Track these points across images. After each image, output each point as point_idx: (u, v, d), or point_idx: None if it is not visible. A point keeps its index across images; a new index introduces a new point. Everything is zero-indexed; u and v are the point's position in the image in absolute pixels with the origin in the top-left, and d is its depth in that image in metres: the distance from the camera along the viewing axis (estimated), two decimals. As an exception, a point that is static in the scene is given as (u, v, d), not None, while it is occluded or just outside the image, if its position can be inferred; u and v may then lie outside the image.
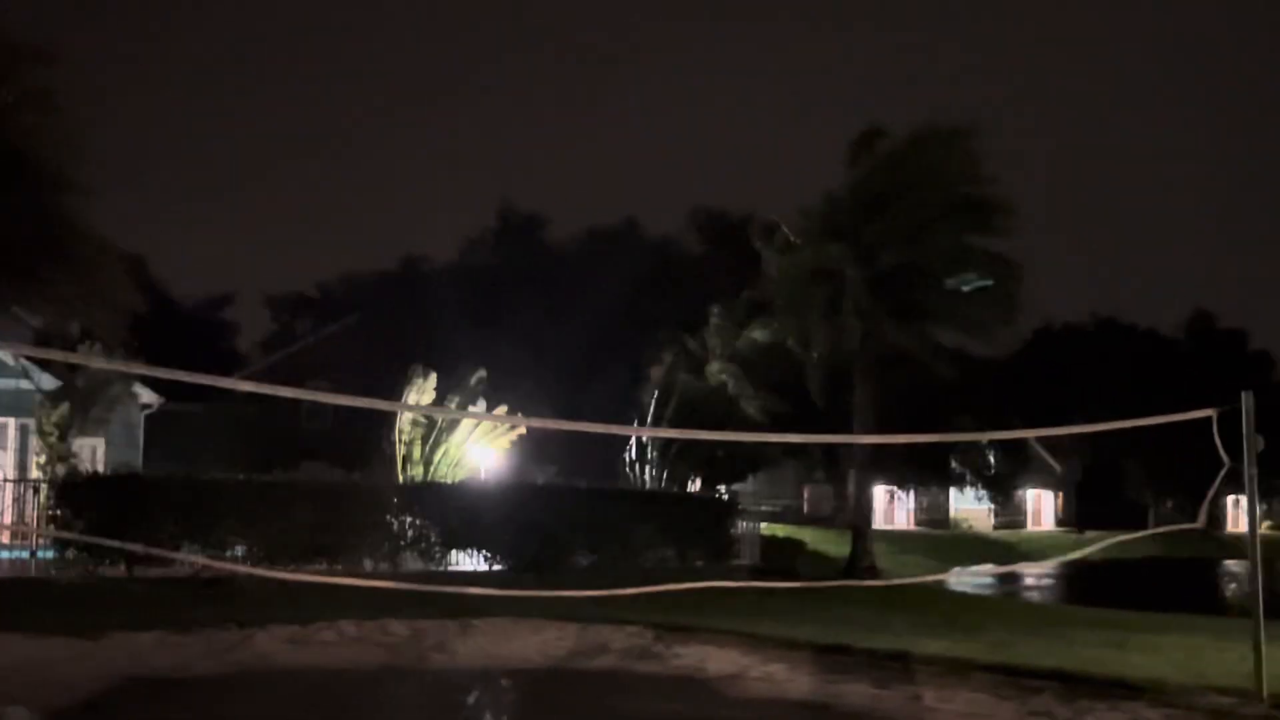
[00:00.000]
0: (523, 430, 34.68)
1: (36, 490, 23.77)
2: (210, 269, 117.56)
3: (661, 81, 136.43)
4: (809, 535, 43.17)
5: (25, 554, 23.20)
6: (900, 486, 66.17)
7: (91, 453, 33.39)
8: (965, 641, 16.48)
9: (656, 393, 35.95)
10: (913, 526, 67.17)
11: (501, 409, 33.97)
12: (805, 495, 65.48)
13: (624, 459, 36.72)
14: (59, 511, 22.53)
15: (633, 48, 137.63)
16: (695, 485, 35.56)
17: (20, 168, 18.40)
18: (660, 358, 37.79)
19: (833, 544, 39.94)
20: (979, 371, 32.62)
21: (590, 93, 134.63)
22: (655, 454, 35.08)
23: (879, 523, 54.61)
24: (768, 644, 16.00)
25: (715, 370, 36.52)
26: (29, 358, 27.52)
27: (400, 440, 33.79)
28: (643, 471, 35.80)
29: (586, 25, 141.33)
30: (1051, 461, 73.64)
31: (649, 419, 34.97)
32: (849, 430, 31.82)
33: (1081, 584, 47.35)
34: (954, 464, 64.57)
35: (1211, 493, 5.95)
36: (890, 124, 33.07)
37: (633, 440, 35.47)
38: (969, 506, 69.49)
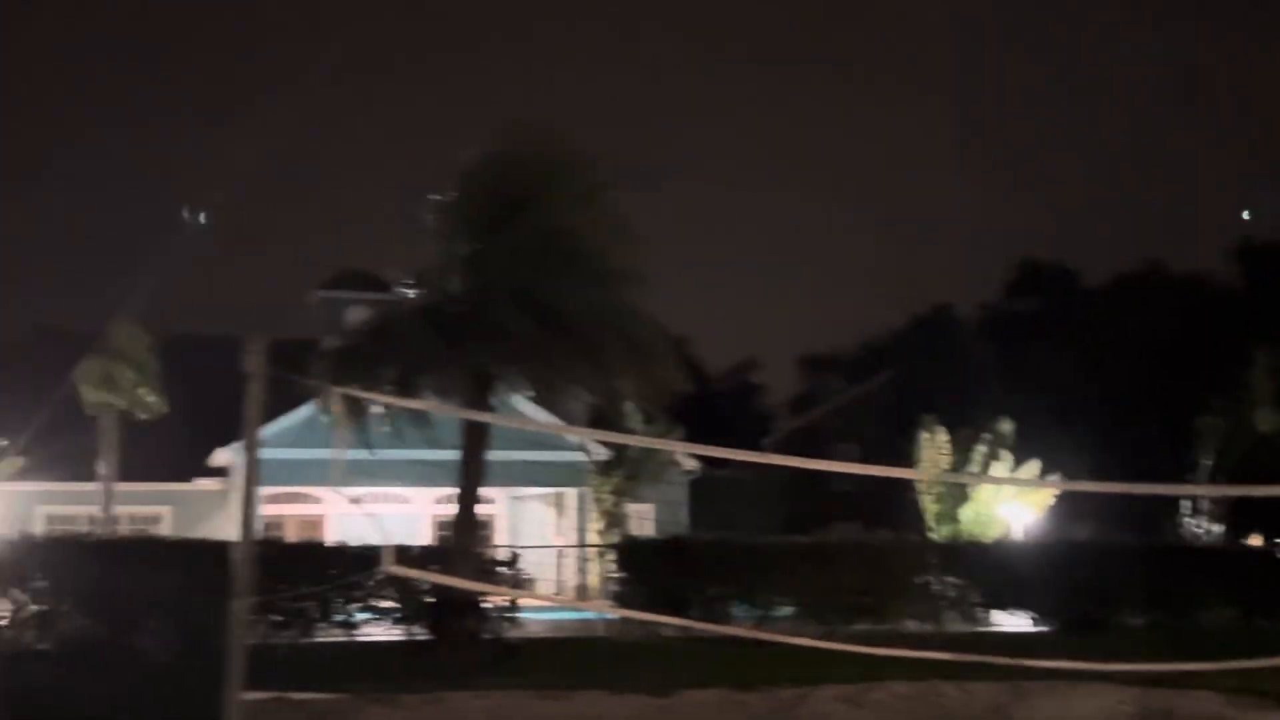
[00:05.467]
0: (1056, 490, 33.69)
1: (602, 555, 25.56)
2: (734, 333, 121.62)
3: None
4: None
5: (591, 615, 25.01)
6: None
7: (640, 518, 35.56)
8: None
9: (1210, 444, 33.87)
10: None
11: (1033, 464, 33.17)
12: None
13: (1174, 511, 34.77)
14: (621, 574, 24.11)
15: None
16: (1258, 539, 33.11)
17: (578, 259, 20.06)
18: (1209, 405, 35.58)
19: None
20: None
21: (1112, 133, 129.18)
22: (1212, 506, 33.01)
23: None
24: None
25: (1265, 416, 34.05)
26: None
27: (927, 498, 33.75)
28: (1197, 526, 33.75)
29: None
30: None
31: (1199, 472, 33.01)
32: None
33: None
34: None
35: None
36: None
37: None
38: None
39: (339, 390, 9.77)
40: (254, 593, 8.29)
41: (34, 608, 20.08)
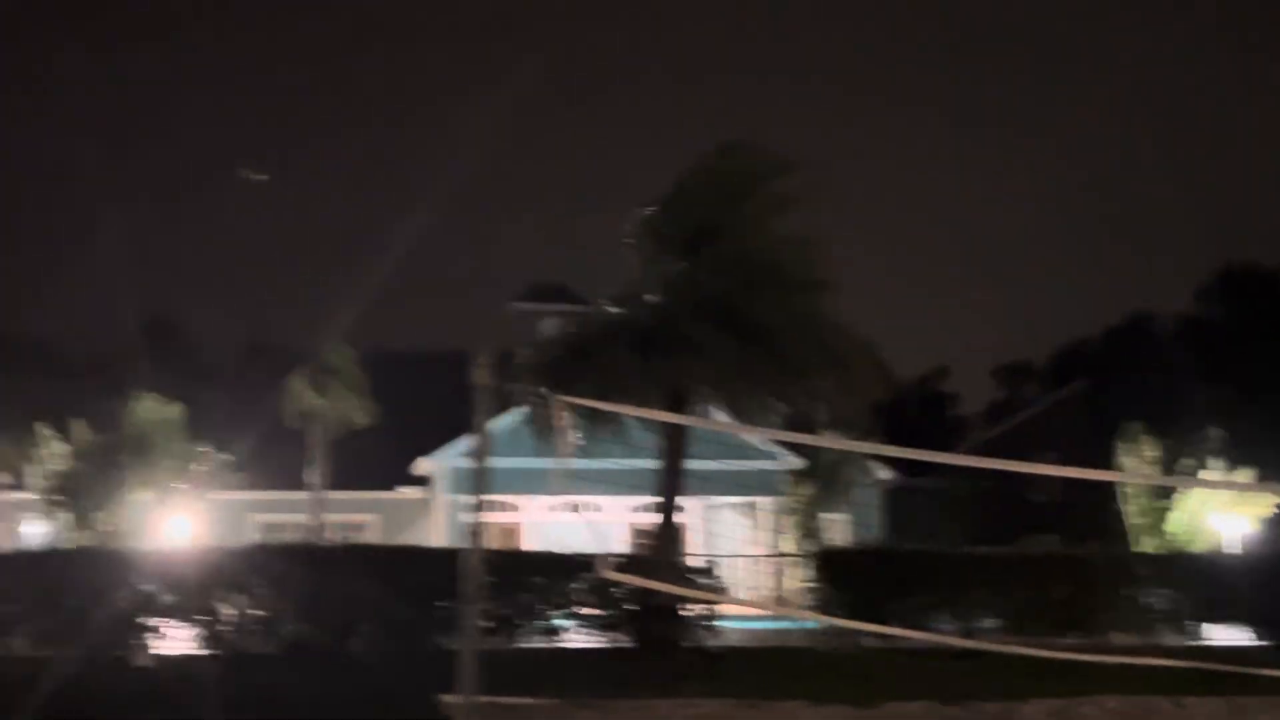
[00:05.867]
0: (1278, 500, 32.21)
1: (798, 564, 25.46)
2: (923, 341, 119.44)
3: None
4: None
5: (789, 624, 24.90)
6: None
7: (834, 527, 35.29)
8: None
9: None
10: None
11: (1245, 472, 31.82)
12: None
13: None
14: (820, 584, 23.96)
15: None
16: None
17: (774, 271, 20.08)
18: None
19: None
20: None
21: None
22: None
23: None
24: None
25: None
26: (778, 441, 29.63)
27: (1130, 509, 32.63)
28: None
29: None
30: None
31: None
32: None
33: None
34: None
35: None
36: None
37: None
38: None
39: (563, 399, 9.93)
40: (479, 599, 8.51)
41: (256, 613, 20.95)
